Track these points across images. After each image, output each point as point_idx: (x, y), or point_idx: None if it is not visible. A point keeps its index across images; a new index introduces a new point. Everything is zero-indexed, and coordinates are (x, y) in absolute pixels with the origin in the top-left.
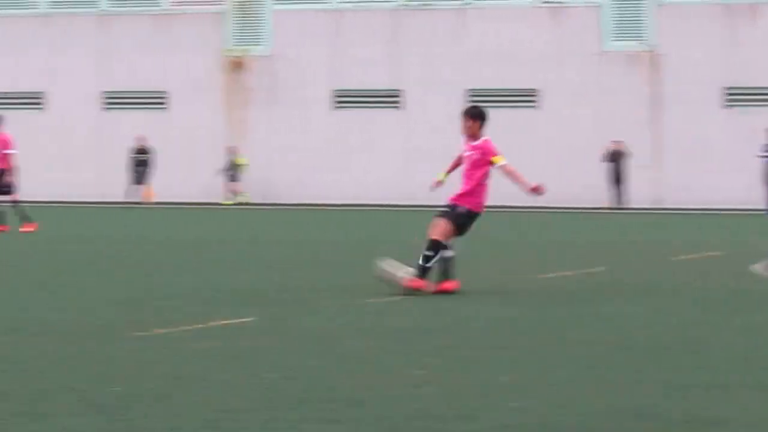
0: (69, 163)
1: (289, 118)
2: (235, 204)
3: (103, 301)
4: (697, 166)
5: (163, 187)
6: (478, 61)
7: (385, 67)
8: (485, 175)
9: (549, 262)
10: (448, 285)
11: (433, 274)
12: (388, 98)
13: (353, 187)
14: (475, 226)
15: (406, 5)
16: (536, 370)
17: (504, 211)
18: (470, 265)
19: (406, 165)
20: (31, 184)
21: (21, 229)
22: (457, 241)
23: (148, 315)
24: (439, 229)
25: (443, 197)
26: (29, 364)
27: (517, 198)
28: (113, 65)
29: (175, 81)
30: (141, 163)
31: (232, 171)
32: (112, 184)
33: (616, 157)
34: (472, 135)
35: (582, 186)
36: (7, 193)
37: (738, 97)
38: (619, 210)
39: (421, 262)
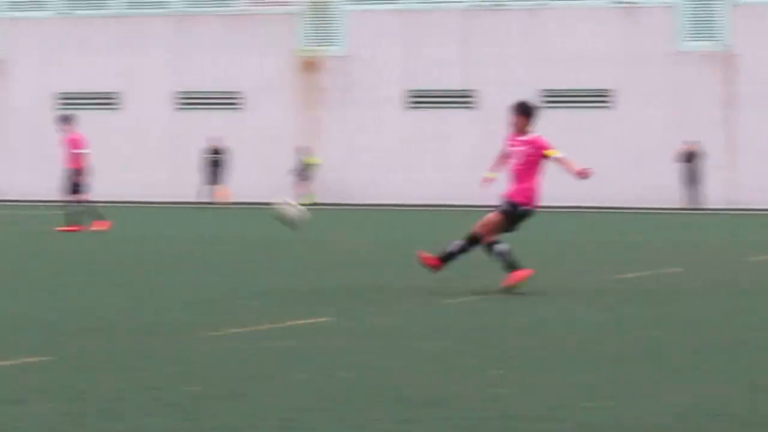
0: (142, 164)
1: (362, 119)
2: (309, 204)
3: (179, 300)
4: None
5: (236, 187)
6: (551, 62)
7: (458, 67)
8: (538, 170)
9: (625, 262)
10: (522, 273)
11: (499, 270)
12: (461, 98)
13: (426, 187)
14: (548, 226)
15: (479, 5)
16: (614, 370)
17: (576, 212)
18: (546, 266)
19: (479, 165)
20: (105, 185)
21: (92, 228)
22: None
23: (223, 315)
24: (486, 224)
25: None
26: (105, 363)
27: (589, 198)
28: (187, 66)
29: (249, 81)
30: (215, 164)
31: (303, 171)
32: (185, 185)
33: (690, 158)
34: (521, 130)
35: (654, 186)
36: (77, 192)
37: None
38: (693, 210)
39: (448, 250)
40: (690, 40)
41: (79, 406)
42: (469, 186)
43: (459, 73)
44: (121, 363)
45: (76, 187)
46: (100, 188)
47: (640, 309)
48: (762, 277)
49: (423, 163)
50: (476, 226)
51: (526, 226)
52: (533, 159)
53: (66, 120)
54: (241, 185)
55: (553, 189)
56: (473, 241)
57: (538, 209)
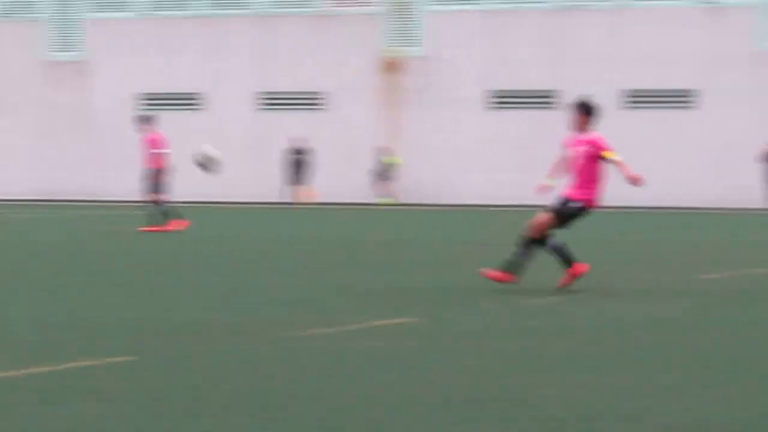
0: (228, 163)
1: (443, 119)
2: (389, 204)
3: (265, 300)
4: None
5: (317, 187)
6: (634, 62)
7: (541, 67)
8: (598, 169)
9: (710, 262)
10: (579, 268)
11: (557, 265)
12: (543, 99)
13: (507, 187)
14: (630, 226)
15: (562, 5)
16: (699, 370)
17: (657, 212)
18: (629, 266)
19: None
20: (188, 185)
21: (170, 228)
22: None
23: (309, 315)
24: (536, 225)
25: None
26: (190, 362)
27: (671, 198)
28: (270, 66)
29: (331, 82)
30: (298, 164)
31: (383, 171)
32: (266, 185)
33: None
34: (581, 129)
35: (736, 187)
36: (157, 192)
37: None
38: None
39: (514, 257)
40: None
41: (163, 405)
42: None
43: (541, 73)
44: (206, 362)
45: (155, 187)
46: (182, 188)
47: (726, 309)
48: None
49: (504, 164)
50: (527, 228)
51: (609, 228)
52: (592, 159)
53: (145, 120)
54: (322, 186)
55: (633, 189)
56: (531, 243)
57: (593, 208)
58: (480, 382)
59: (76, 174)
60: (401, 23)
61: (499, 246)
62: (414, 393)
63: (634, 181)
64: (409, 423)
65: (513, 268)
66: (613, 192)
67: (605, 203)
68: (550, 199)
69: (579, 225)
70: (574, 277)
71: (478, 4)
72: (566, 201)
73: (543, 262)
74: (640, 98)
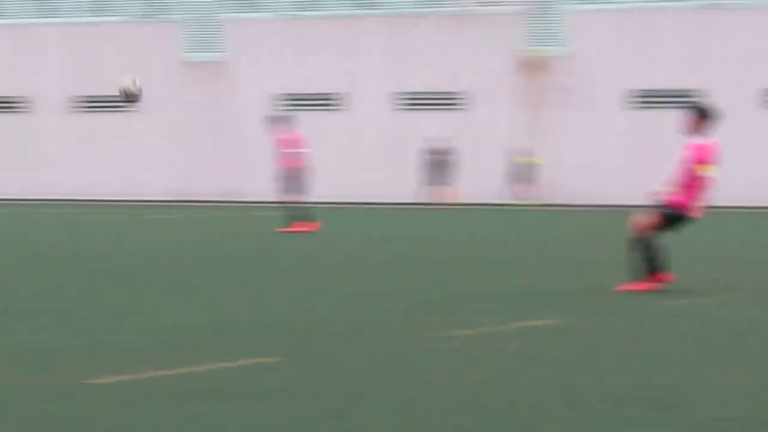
0: (361, 165)
1: (582, 119)
2: (527, 205)
3: (403, 301)
4: None
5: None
6: None
7: (683, 66)
8: (701, 175)
9: None
10: (661, 278)
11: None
12: (684, 98)
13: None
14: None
15: (704, 5)
16: None
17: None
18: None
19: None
20: (326, 185)
21: (298, 228)
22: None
23: (450, 316)
24: (638, 226)
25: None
26: (336, 364)
27: None
28: (406, 66)
29: (469, 82)
30: (438, 164)
31: (522, 172)
32: (402, 186)
33: None
34: (695, 132)
35: None
36: (291, 192)
37: None
38: None
39: (635, 264)
40: None
41: (311, 406)
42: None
43: (684, 72)
44: (348, 363)
45: (290, 187)
46: (321, 189)
47: None
48: None
49: (644, 164)
50: (632, 230)
51: (730, 228)
52: (698, 163)
53: (278, 120)
54: (459, 186)
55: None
56: (640, 243)
57: (692, 214)
58: (620, 384)
59: (213, 175)
60: (541, 22)
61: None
62: (559, 395)
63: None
64: (556, 424)
65: (649, 271)
66: (740, 190)
67: (733, 203)
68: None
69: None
70: (652, 283)
71: (619, 2)
72: (665, 205)
73: (687, 262)
74: None
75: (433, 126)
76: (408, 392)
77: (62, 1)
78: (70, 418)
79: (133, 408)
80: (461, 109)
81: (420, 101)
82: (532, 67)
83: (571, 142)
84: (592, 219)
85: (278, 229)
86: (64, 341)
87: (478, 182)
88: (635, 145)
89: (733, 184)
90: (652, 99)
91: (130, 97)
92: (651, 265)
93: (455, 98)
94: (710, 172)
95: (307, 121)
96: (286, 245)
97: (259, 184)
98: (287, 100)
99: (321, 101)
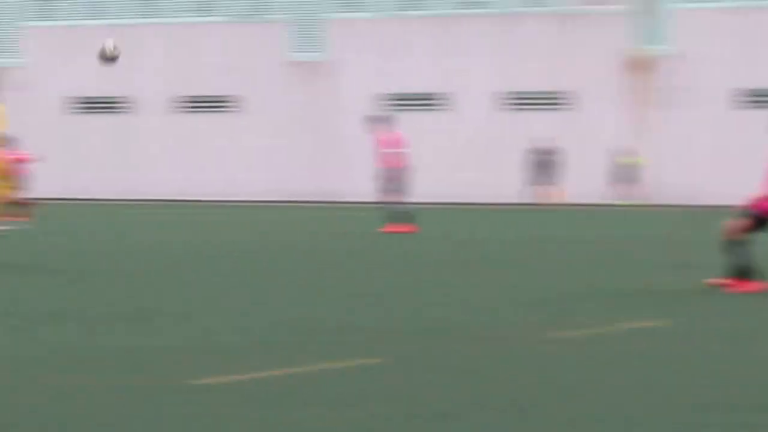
0: (464, 164)
1: (689, 118)
2: (631, 205)
3: (508, 302)
4: None
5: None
6: None
7: None
8: None
9: None
10: (748, 286)
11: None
12: None
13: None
14: None
15: None
16: None
17: None
18: None
19: None
20: (431, 185)
21: (392, 229)
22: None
23: (554, 317)
24: (730, 228)
25: None
26: (441, 365)
27: None
28: (512, 66)
29: (576, 81)
30: (543, 164)
31: (622, 172)
32: (507, 186)
33: None
34: None
35: None
36: (391, 192)
37: None
38: None
39: (732, 266)
40: None
41: (414, 407)
42: None
43: None
44: (453, 364)
45: (389, 188)
46: (423, 189)
47: None
48: None
49: (750, 164)
50: (723, 232)
51: None
52: None
53: (378, 120)
54: (567, 185)
55: None
56: (733, 245)
57: None
58: (727, 387)
59: (314, 175)
60: (647, 21)
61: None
62: (667, 397)
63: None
64: (662, 427)
65: (741, 274)
66: None
67: None
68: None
69: None
70: (737, 288)
71: (728, 1)
72: (755, 207)
73: None
74: None
75: (537, 126)
76: (510, 392)
77: (164, 1)
78: (172, 419)
79: (235, 409)
80: (566, 108)
81: (525, 101)
82: (639, 66)
83: (677, 141)
84: (697, 219)
85: (380, 229)
86: (166, 342)
87: (583, 182)
88: (741, 144)
89: None
90: (759, 98)
91: (108, 59)
92: (743, 267)
93: (560, 98)
94: None
95: (410, 121)
96: (387, 245)
97: (359, 185)
98: (390, 99)
99: (424, 101)
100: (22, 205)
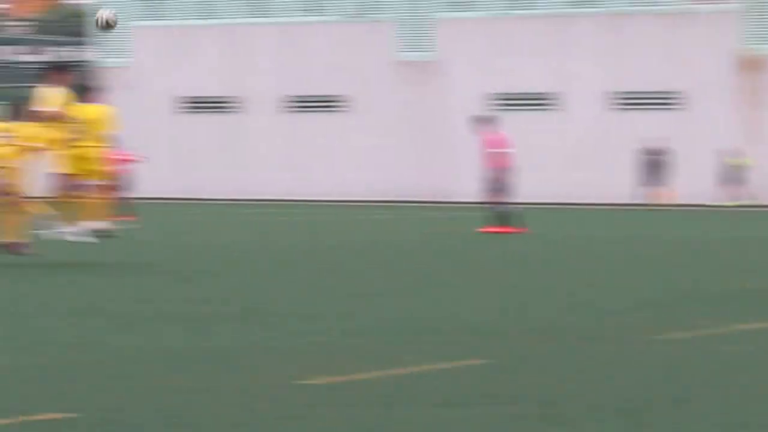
0: (572, 164)
1: None
2: (740, 206)
3: (615, 302)
4: None
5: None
6: None
7: None
8: None
9: None
10: None
11: None
12: None
13: None
14: None
15: None
16: None
17: None
18: None
19: None
20: (535, 185)
21: (493, 230)
22: None
23: (663, 318)
24: None
25: None
26: (547, 366)
27: None
28: (621, 65)
29: (685, 81)
30: (654, 165)
31: (730, 172)
32: (616, 186)
33: None
34: None
35: None
36: (497, 192)
37: None
38: None
39: None
40: None
41: (520, 408)
42: None
43: None
44: (560, 366)
45: (495, 188)
46: (535, 189)
47: None
48: None
49: None
50: None
51: None
52: None
53: (483, 121)
54: (676, 186)
55: None
56: None
57: None
58: None
59: (422, 175)
60: (759, 20)
61: None
62: None
63: None
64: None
65: None
66: None
67: None
68: None
69: None
70: None
71: None
72: None
73: None
74: None
75: (647, 126)
76: (619, 395)
77: (274, 1)
78: (280, 419)
79: (342, 410)
80: (676, 108)
81: (634, 100)
82: (750, 65)
83: None
84: None
85: (481, 229)
86: (274, 341)
87: (693, 183)
88: None
89: None
90: None
91: (105, 27)
92: None
93: (671, 97)
94: None
95: (519, 121)
96: (494, 246)
97: (467, 185)
98: (498, 99)
99: (533, 101)
100: (128, 205)
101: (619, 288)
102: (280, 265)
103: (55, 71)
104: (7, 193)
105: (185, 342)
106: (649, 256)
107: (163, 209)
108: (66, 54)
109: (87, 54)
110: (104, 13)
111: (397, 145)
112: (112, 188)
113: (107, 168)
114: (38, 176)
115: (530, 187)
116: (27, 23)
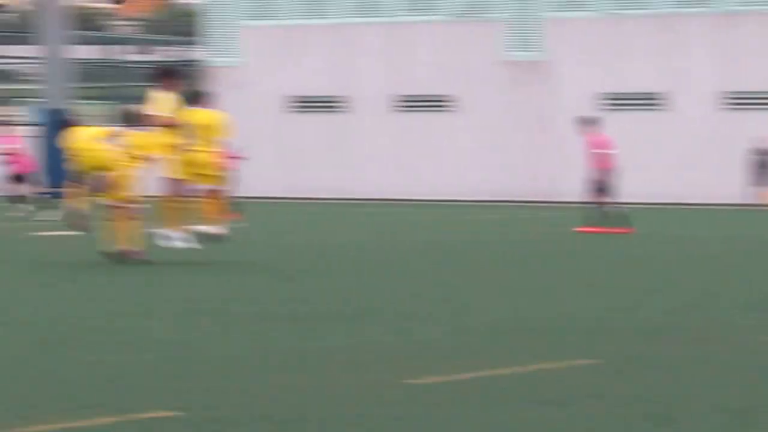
0: (683, 164)
1: None
2: None
3: (726, 303)
4: None
5: None
6: None
7: None
8: None
9: None
10: None
11: None
12: None
13: None
14: None
15: None
16: None
17: None
18: None
19: None
20: (645, 185)
21: (593, 230)
22: None
23: None
24: None
25: None
26: (654, 366)
27: None
28: (734, 65)
29: None
30: (764, 165)
31: None
32: (726, 186)
33: None
34: None
35: None
36: (603, 192)
37: None
38: None
39: None
40: None
41: (628, 409)
42: None
43: None
44: (670, 366)
45: (599, 188)
46: (644, 189)
47: None
48: None
49: None
50: None
51: None
52: None
53: (587, 122)
54: None
55: None
56: None
57: None
58: None
59: (529, 175)
60: None
61: None
62: None
63: None
64: None
65: None
66: None
67: None
68: None
69: None
70: None
71: None
72: None
73: None
74: None
75: (759, 126)
76: (730, 397)
77: (381, 0)
78: (387, 419)
79: (451, 409)
80: None
81: (746, 100)
82: None
83: None
84: None
85: (579, 229)
86: (383, 341)
87: None
88: None
89: None
90: None
91: None
92: None
93: None
94: None
95: (628, 121)
96: (599, 245)
97: (576, 185)
98: (607, 100)
99: (643, 101)
100: (235, 205)
101: (727, 288)
102: (387, 264)
103: (166, 76)
104: (120, 201)
105: (290, 342)
106: (756, 257)
107: (270, 208)
108: (174, 54)
109: (195, 54)
110: None
111: (504, 145)
112: (223, 192)
113: (218, 173)
114: (150, 182)
115: (641, 186)
116: (136, 23)
